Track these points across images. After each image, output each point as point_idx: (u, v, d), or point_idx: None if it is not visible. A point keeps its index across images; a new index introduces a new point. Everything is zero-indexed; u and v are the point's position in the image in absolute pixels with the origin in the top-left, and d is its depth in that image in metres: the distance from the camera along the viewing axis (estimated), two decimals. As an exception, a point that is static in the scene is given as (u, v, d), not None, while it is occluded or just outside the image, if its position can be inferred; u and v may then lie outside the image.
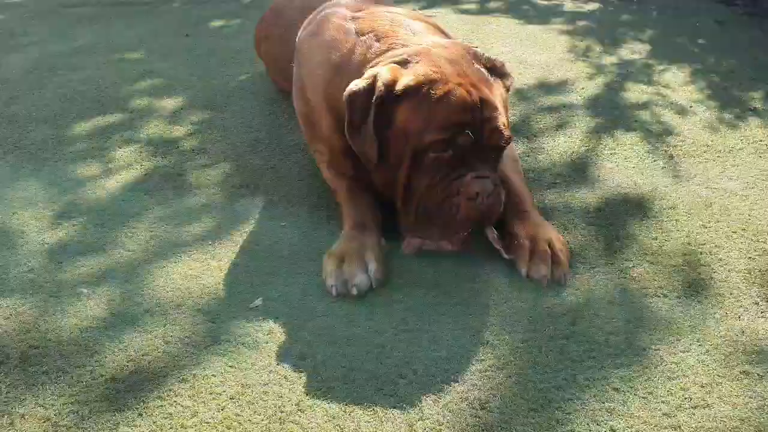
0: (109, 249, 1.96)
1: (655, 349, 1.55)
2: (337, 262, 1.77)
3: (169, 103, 3.02)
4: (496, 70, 1.91)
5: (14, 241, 2.00)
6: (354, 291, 1.72)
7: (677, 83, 3.19)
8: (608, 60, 3.53)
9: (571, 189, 2.23)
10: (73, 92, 3.21)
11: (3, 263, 1.89)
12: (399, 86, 1.76)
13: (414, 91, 1.76)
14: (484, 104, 1.75)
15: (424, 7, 4.70)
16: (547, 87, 3.09)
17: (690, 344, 1.57)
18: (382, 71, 1.80)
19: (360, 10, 2.27)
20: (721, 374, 1.48)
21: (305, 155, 2.47)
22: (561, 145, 2.53)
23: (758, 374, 1.48)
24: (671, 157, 2.44)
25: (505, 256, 1.84)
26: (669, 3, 4.88)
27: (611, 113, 2.82)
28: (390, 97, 1.76)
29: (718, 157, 2.44)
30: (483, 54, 1.93)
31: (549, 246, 1.81)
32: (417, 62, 1.81)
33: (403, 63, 1.83)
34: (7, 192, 2.29)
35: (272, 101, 3.01)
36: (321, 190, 2.22)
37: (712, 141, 2.56)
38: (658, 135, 2.61)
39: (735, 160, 2.42)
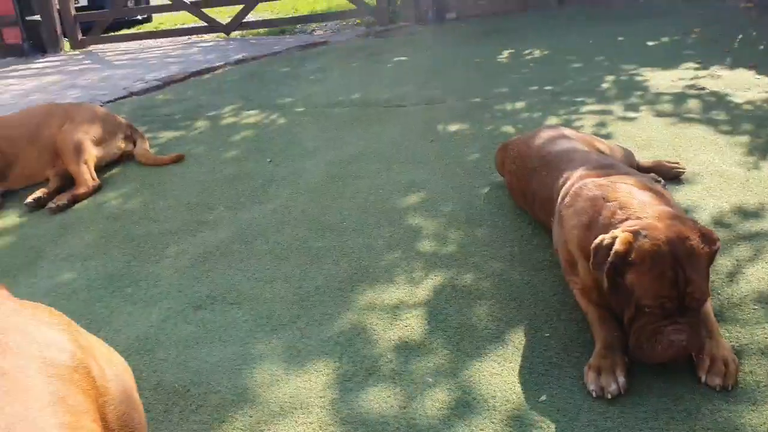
0: (449, 350, 3.02)
1: (831, 459, 2.27)
2: (595, 375, 2.68)
3: (437, 217, 4.08)
4: (705, 238, 2.68)
5: (370, 336, 3.13)
6: (608, 396, 2.61)
7: None
8: (802, 173, 4.07)
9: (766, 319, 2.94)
10: (366, 202, 4.38)
11: (368, 356, 3.01)
12: (629, 256, 2.63)
13: (639, 262, 2.62)
14: (687, 281, 2.56)
15: (627, 108, 5.44)
16: (744, 207, 3.74)
17: None
18: (620, 237, 2.68)
19: (601, 176, 3.17)
20: None
21: (553, 272, 3.39)
22: (758, 271, 3.22)
23: None
24: None
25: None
26: None
27: (804, 237, 3.43)
28: (621, 261, 2.64)
29: None
30: (697, 226, 2.72)
31: (724, 363, 2.59)
32: (645, 236, 2.65)
33: (636, 234, 2.68)
34: (356, 297, 3.45)
35: (517, 215, 3.97)
36: (571, 307, 3.12)
37: None
38: None
39: None
